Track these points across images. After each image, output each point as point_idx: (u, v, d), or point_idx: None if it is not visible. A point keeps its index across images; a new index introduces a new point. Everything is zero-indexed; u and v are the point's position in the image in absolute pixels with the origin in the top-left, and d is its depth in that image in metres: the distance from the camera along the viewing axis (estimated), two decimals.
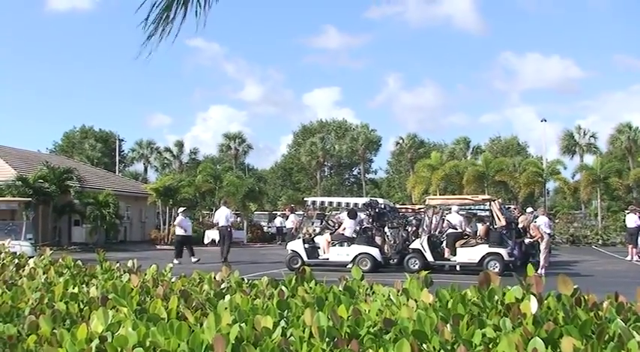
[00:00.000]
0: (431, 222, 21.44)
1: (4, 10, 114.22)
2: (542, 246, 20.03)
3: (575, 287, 2.55)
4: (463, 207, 22.86)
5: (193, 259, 22.85)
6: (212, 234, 37.96)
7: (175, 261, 22.53)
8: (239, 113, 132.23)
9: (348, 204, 22.62)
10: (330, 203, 25.39)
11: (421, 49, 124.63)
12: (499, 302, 2.56)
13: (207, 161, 63.58)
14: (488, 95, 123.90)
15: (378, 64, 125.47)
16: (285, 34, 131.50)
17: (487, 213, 22.10)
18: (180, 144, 74.53)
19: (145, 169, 75.35)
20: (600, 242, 37.75)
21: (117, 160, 67.78)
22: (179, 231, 24.23)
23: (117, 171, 62.84)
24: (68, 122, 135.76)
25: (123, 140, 77.91)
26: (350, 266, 19.05)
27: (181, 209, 26.01)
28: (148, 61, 4.55)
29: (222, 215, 24.53)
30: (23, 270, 4.72)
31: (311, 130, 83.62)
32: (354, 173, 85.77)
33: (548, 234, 21.70)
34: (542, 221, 22.14)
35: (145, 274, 4.03)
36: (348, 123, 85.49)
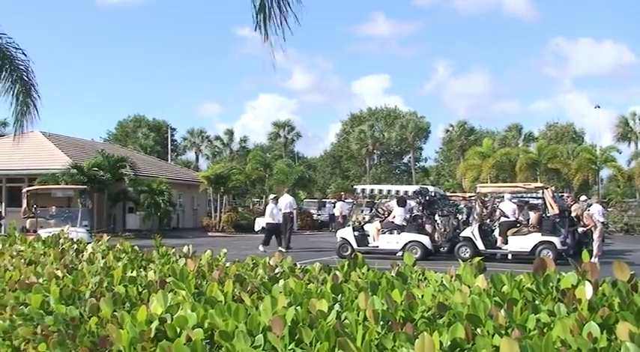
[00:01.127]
0: (482, 209, 21.23)
1: (57, 2, 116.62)
2: (596, 235, 19.68)
3: (631, 273, 2.53)
4: (515, 195, 22.58)
5: (282, 249, 22.17)
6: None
7: (261, 249, 22.50)
8: (288, 101, 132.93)
9: (397, 192, 22.55)
10: (380, 191, 25.35)
11: (471, 35, 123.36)
12: (554, 288, 2.55)
13: (257, 149, 64.03)
14: (539, 81, 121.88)
15: (428, 50, 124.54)
16: (334, 22, 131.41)
17: (540, 201, 21.78)
18: (230, 133, 75.28)
19: (197, 157, 76.42)
20: None
21: (169, 149, 68.70)
22: (268, 219, 24.00)
23: (169, 160, 63.71)
24: (122, 112, 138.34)
25: (174, 129, 79.03)
26: (400, 254, 19.02)
27: (272, 196, 25.70)
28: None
29: (285, 202, 24.70)
30: (82, 255, 4.84)
31: (360, 118, 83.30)
32: (404, 161, 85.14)
33: (602, 222, 21.31)
34: (596, 209, 21.75)
35: (200, 259, 4.11)
36: (397, 110, 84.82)
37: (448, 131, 74.83)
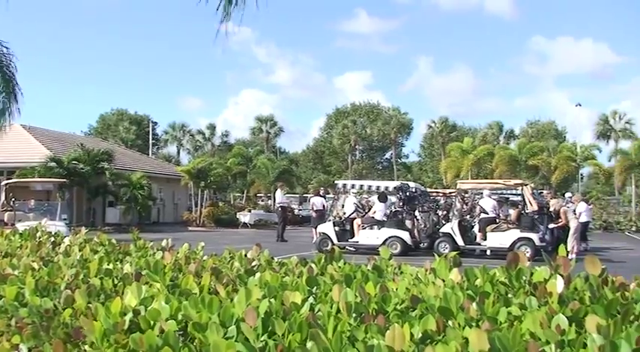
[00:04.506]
0: (462, 206, 21.32)
1: None
2: (571, 231, 19.80)
3: (602, 267, 2.56)
4: (495, 192, 22.67)
5: None
6: (243, 217, 38.24)
7: None
8: (270, 97, 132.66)
9: (378, 188, 22.58)
10: (361, 186, 25.36)
11: (452, 32, 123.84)
12: (526, 282, 2.58)
13: (239, 144, 63.82)
14: (521, 80, 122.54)
15: (409, 47, 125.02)
16: (316, 19, 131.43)
17: (519, 197, 21.91)
18: (212, 127, 74.99)
19: (178, 152, 76.04)
20: (634, 228, 37.13)
21: (150, 143, 68.34)
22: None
23: (150, 154, 63.36)
24: (104, 106, 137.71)
25: (156, 123, 78.60)
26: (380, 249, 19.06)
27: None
28: (223, 46, 4.75)
29: (278, 196, 27.92)
30: (59, 248, 4.81)
31: (343, 113, 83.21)
32: (386, 156, 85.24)
33: (587, 221, 21.66)
34: (583, 207, 22.06)
35: (178, 252, 4.11)
36: (380, 106, 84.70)
37: (430, 127, 75.09)
